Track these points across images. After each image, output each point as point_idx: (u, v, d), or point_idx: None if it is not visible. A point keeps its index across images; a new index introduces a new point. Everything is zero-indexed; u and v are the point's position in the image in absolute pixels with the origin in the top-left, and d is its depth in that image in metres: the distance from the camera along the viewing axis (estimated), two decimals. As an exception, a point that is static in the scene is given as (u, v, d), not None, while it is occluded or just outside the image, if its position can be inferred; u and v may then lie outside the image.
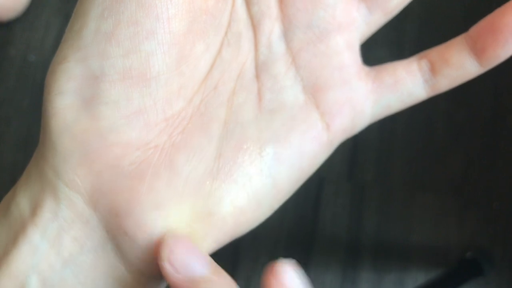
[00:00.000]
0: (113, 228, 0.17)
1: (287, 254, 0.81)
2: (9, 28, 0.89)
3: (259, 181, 0.18)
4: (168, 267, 0.16)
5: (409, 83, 0.20)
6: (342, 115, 0.19)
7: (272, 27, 0.20)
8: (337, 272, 0.79)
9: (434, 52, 0.20)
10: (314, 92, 0.19)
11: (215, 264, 0.17)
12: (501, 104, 0.83)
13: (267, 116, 0.19)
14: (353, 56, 0.20)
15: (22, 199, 0.18)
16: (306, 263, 0.79)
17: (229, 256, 0.78)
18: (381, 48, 0.84)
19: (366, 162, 0.83)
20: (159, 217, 0.17)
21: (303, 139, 0.19)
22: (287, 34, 0.20)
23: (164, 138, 0.18)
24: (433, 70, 0.20)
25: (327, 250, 0.80)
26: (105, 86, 0.17)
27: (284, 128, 0.19)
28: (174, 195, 0.18)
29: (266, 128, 0.19)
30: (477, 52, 0.19)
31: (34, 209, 0.17)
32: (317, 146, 0.19)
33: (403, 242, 0.80)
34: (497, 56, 0.19)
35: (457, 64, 0.19)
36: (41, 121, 0.18)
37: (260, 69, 0.20)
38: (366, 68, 0.20)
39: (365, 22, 0.20)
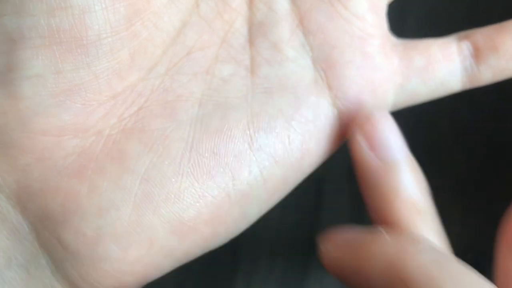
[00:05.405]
0: (47, 240, 0.13)
1: (287, 255, 0.80)
2: None
3: (246, 182, 0.14)
4: (361, 142, 0.14)
5: (443, 68, 0.16)
6: (360, 100, 0.15)
7: None
8: (338, 273, 0.78)
9: (481, 35, 0.16)
10: (326, 67, 0.15)
11: (410, 154, 0.15)
12: (504, 105, 0.82)
13: (261, 97, 0.14)
14: (378, 22, 0.15)
15: None
16: (306, 265, 0.79)
17: (229, 256, 0.78)
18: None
19: (367, 163, 0.82)
20: (105, 225, 0.13)
21: (307, 130, 0.15)
22: None
23: (112, 122, 0.14)
24: (477, 56, 0.16)
25: (327, 251, 0.79)
26: (25, 54, 0.12)
27: (283, 114, 0.14)
28: (125, 197, 0.13)
29: (259, 112, 0.14)
30: None
31: None
32: (323, 140, 0.15)
33: (404, 243, 0.79)
34: None
35: (509, 53, 0.15)
36: None
37: (255, 32, 0.15)
38: (392, 39, 0.16)
39: None
